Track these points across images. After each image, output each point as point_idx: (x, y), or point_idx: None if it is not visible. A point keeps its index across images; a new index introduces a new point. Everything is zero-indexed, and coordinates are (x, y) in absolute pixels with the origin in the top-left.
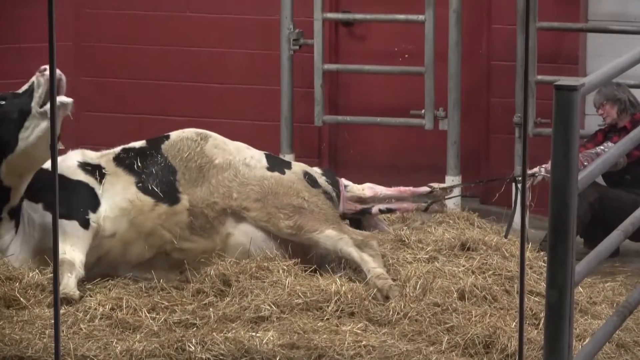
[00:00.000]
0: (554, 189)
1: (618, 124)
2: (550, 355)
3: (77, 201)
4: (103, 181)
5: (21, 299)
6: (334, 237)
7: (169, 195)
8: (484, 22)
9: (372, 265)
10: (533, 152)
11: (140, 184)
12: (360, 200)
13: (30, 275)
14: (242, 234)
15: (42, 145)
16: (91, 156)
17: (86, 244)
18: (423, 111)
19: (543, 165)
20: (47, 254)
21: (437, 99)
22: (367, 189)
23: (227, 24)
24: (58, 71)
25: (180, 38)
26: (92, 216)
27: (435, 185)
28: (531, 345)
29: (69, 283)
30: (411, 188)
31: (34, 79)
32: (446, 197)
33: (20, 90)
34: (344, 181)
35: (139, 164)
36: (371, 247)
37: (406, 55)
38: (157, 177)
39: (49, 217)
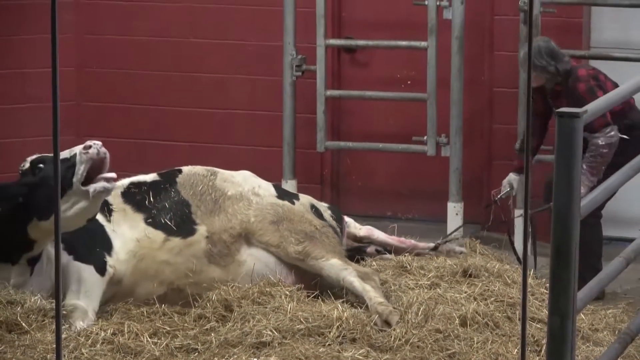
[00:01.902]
0: (556, 216)
1: (555, 89)
2: None
3: (91, 242)
4: (111, 219)
5: (23, 323)
6: (338, 266)
7: (183, 227)
8: (486, 49)
9: (373, 294)
10: (535, 179)
11: (150, 220)
12: (355, 239)
13: (32, 300)
14: (254, 259)
15: (78, 220)
16: None
17: (101, 291)
18: (425, 137)
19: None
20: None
21: (439, 126)
22: (365, 230)
23: (229, 49)
24: (103, 149)
25: (183, 64)
26: (108, 260)
27: (440, 241)
28: None
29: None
30: (413, 241)
31: (76, 150)
32: (447, 240)
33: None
34: (346, 218)
35: (151, 199)
36: (373, 280)
37: (408, 82)
38: (170, 210)
39: (69, 259)
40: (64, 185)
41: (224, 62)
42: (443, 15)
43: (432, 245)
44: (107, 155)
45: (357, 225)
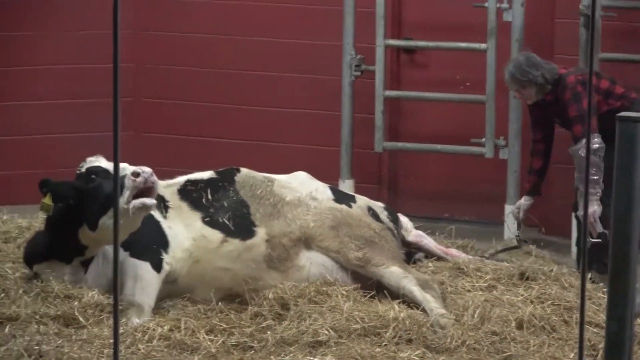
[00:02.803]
0: (615, 220)
1: (547, 99)
2: None
3: (147, 239)
4: (167, 215)
5: (80, 318)
6: (398, 274)
7: (242, 228)
8: (546, 52)
9: (434, 305)
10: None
11: (208, 219)
12: (404, 242)
13: (90, 294)
14: (313, 263)
15: (120, 235)
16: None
17: (157, 287)
18: (483, 140)
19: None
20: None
21: (497, 128)
22: (414, 235)
23: (289, 48)
24: (152, 177)
25: (241, 61)
26: (165, 257)
27: (487, 255)
28: None
29: (144, 311)
30: (457, 253)
31: (127, 171)
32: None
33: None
34: (400, 217)
35: (208, 197)
36: (433, 288)
37: (467, 84)
38: (228, 210)
39: (125, 256)
40: (108, 204)
41: (283, 61)
42: (503, 18)
43: (477, 258)
44: (156, 184)
45: (409, 227)
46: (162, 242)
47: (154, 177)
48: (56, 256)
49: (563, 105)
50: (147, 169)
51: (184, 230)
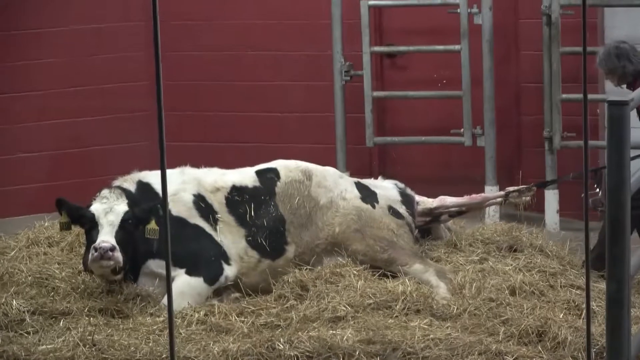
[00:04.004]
0: (610, 193)
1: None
2: (612, 339)
3: (205, 252)
4: (217, 228)
5: (124, 309)
6: (421, 270)
7: (275, 248)
8: (513, 50)
9: (443, 292)
10: (561, 163)
11: (250, 238)
12: (431, 212)
13: (130, 287)
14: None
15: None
16: (206, 186)
17: (205, 298)
18: (462, 130)
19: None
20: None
21: (474, 119)
22: (437, 201)
23: (287, 59)
24: (110, 253)
25: (246, 74)
26: (226, 268)
27: (511, 188)
28: (578, 332)
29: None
30: (483, 194)
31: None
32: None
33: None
34: (417, 198)
35: (252, 214)
36: (449, 278)
37: (444, 81)
38: (266, 229)
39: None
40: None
41: (282, 71)
42: (474, 21)
43: (502, 193)
44: (110, 258)
45: (429, 200)
46: (220, 253)
47: (109, 254)
48: None
49: None
50: (105, 245)
51: (232, 245)
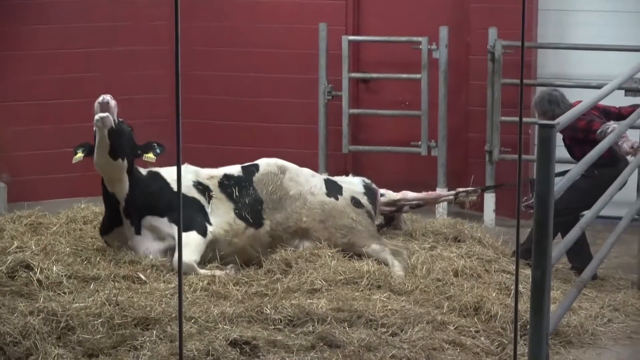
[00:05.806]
0: (538, 199)
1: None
2: (535, 315)
3: (193, 215)
4: (211, 203)
5: (142, 276)
6: (378, 250)
7: (256, 221)
8: (464, 80)
9: (398, 270)
10: (498, 172)
11: (237, 211)
12: (394, 203)
13: (148, 259)
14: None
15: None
16: (202, 175)
17: (203, 248)
18: (420, 143)
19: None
20: (170, 253)
21: (430, 134)
22: (400, 194)
23: (282, 81)
24: (108, 97)
25: (249, 92)
26: (209, 227)
27: (461, 189)
28: (507, 309)
29: (194, 266)
30: (437, 192)
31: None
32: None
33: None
34: (382, 191)
35: (237, 194)
36: (402, 255)
37: (407, 103)
38: (249, 206)
39: (173, 228)
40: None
41: (277, 90)
42: (433, 56)
43: (453, 193)
44: (109, 102)
45: (393, 192)
46: (206, 218)
47: (108, 97)
48: (113, 221)
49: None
50: (106, 96)
51: (223, 214)
